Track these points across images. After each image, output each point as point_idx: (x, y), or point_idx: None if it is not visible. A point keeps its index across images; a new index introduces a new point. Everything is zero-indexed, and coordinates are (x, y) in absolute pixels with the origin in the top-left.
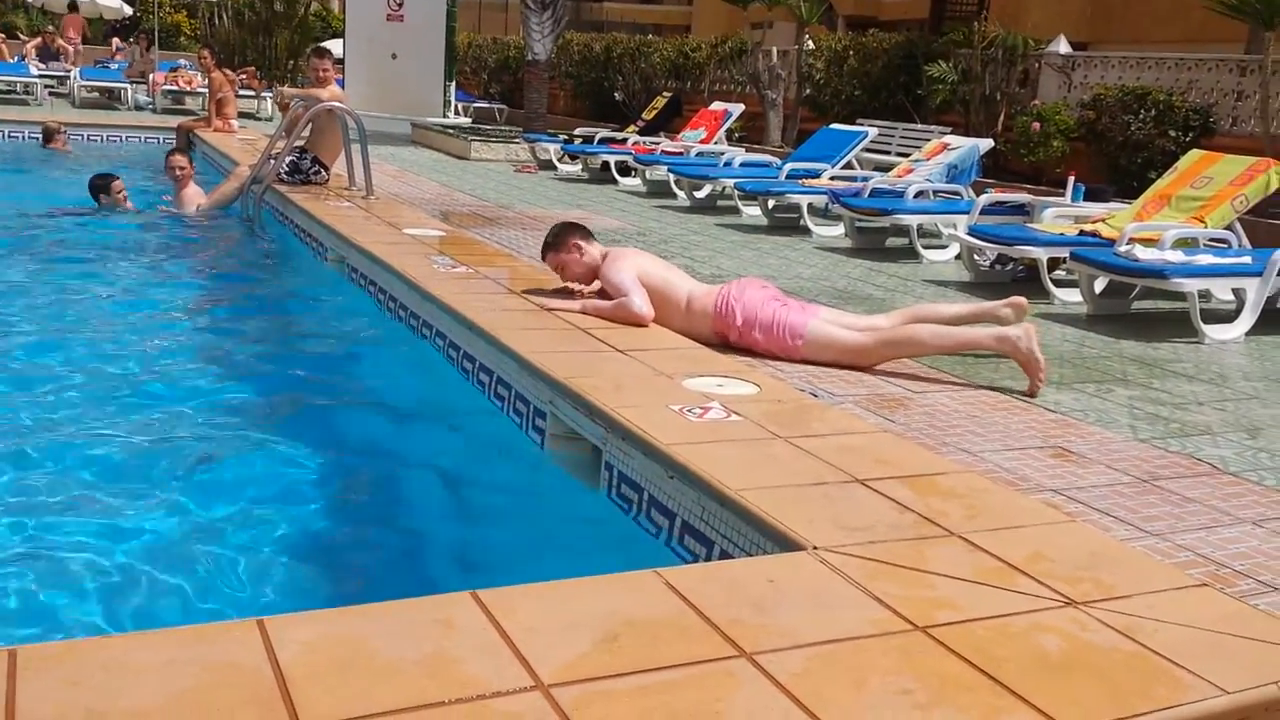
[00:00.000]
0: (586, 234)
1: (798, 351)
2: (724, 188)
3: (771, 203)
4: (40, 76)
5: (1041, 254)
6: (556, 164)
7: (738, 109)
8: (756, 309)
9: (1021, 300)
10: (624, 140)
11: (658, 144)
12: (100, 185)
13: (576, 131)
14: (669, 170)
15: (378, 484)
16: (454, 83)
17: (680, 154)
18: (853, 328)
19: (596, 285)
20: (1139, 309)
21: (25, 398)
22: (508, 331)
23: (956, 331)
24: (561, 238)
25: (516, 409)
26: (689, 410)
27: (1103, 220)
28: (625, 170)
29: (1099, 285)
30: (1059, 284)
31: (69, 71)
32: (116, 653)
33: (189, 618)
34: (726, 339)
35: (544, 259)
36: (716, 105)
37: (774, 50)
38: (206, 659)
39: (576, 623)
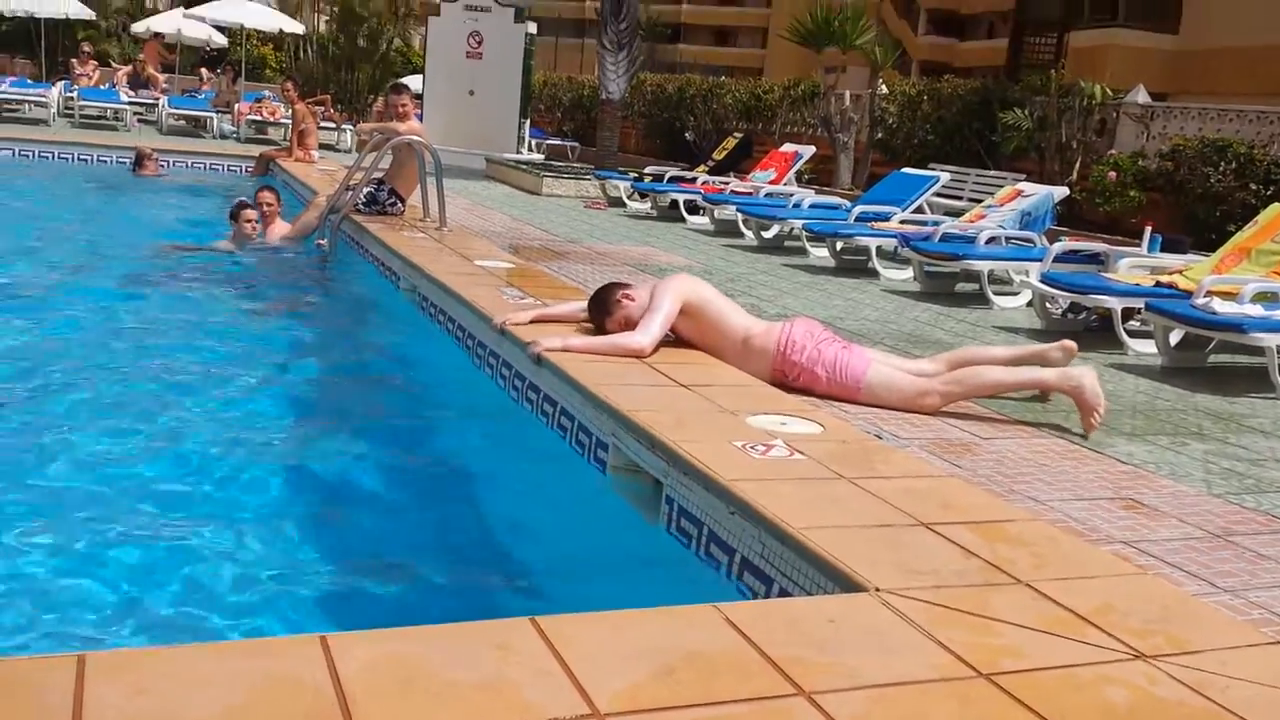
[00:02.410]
0: (625, 284)
1: (859, 394)
2: (792, 229)
3: (839, 245)
4: (130, 104)
5: (1116, 304)
6: (626, 201)
7: (808, 151)
8: (821, 349)
9: (1071, 344)
10: (693, 179)
11: (727, 184)
12: (232, 212)
13: (647, 170)
14: (737, 210)
15: (441, 509)
16: (529, 120)
17: (749, 194)
18: (905, 370)
19: None
20: (1215, 362)
21: (107, 418)
22: (573, 363)
23: (1021, 371)
24: (607, 295)
25: (579, 440)
26: (752, 447)
27: (1180, 272)
28: (693, 209)
29: (1174, 337)
30: (1133, 334)
31: (157, 99)
32: (182, 663)
33: (252, 632)
34: (784, 380)
35: (603, 327)
36: (787, 147)
37: (846, 94)
38: (269, 672)
39: (634, 653)
